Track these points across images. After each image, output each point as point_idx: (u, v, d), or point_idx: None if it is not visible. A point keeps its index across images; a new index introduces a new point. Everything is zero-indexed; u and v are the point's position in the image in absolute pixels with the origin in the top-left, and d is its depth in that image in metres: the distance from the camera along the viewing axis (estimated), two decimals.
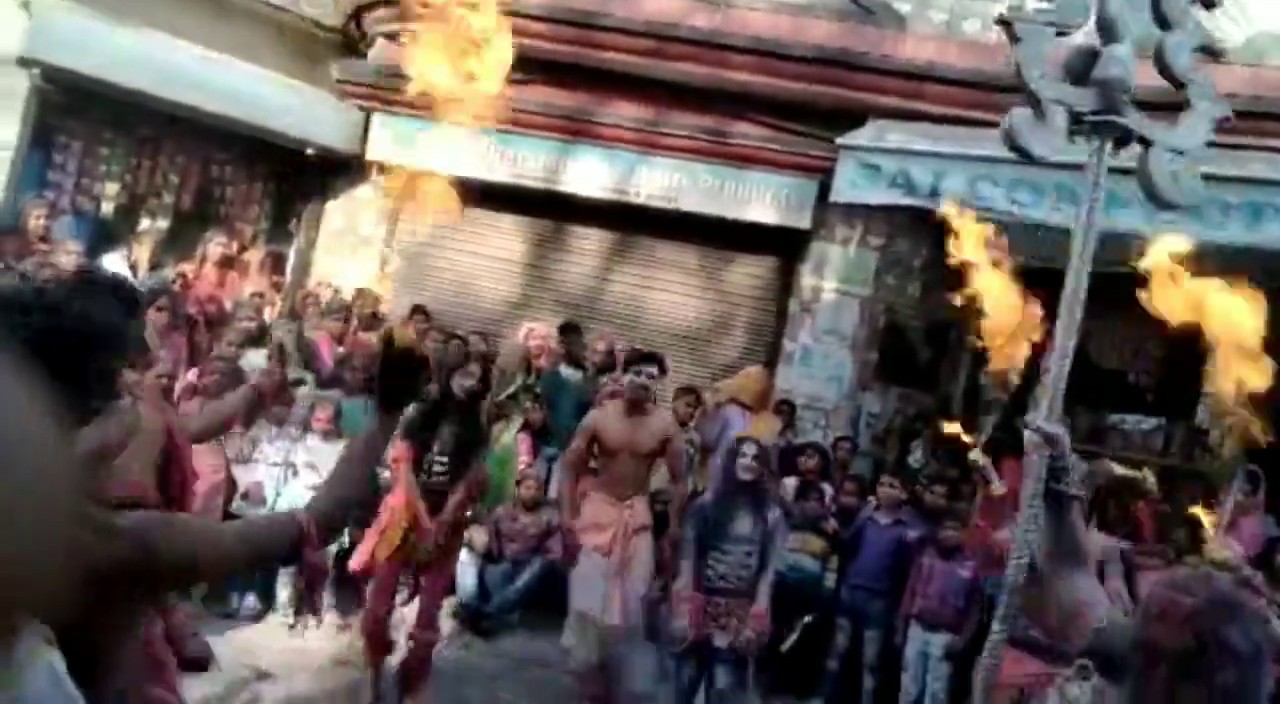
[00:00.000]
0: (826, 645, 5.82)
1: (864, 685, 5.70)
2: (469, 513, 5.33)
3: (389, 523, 4.73)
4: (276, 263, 8.57)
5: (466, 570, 6.17)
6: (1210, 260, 2.67)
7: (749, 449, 4.79)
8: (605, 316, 8.29)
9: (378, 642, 4.85)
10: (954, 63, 7.29)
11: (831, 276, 7.73)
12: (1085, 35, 2.57)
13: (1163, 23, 2.58)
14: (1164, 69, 2.59)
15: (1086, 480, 5.05)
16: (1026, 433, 2.43)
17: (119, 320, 1.91)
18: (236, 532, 1.75)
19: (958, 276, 2.91)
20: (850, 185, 7.18)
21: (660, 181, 7.84)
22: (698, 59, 7.65)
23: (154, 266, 7.33)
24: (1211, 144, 2.67)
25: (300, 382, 6.36)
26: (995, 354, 2.94)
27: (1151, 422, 7.51)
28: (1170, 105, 2.66)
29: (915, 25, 7.84)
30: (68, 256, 5.98)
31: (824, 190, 7.45)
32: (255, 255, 8.18)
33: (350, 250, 8.60)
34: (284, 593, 5.74)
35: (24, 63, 6.74)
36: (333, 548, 5.68)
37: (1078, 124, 2.54)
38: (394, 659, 4.88)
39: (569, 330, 7.55)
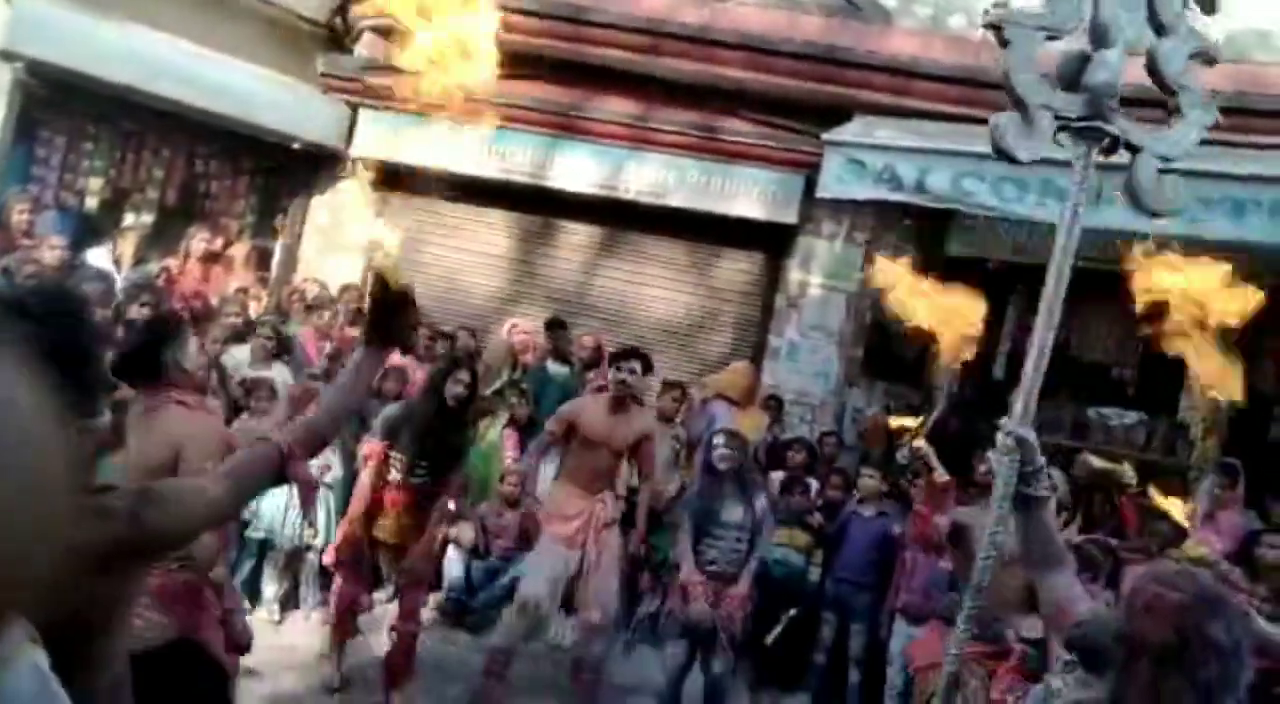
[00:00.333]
0: (812, 639, 5.86)
1: (849, 679, 5.73)
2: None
3: (354, 512, 4.81)
4: (262, 258, 8.53)
5: (454, 565, 6.19)
6: (1193, 256, 2.69)
7: (719, 439, 5.04)
8: (593, 312, 8.29)
9: (343, 623, 4.93)
10: (940, 58, 7.30)
11: (818, 272, 7.75)
12: (1077, 39, 2.54)
13: (1158, 28, 2.55)
14: (1156, 75, 2.56)
15: (1069, 478, 5.12)
16: (998, 436, 2.42)
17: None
18: (220, 476, 1.78)
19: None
20: (837, 181, 7.21)
21: (649, 177, 7.84)
22: (687, 55, 7.64)
23: (138, 262, 7.28)
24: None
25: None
26: (944, 348, 3.06)
27: (1133, 416, 7.54)
28: (1159, 102, 2.66)
29: (901, 21, 7.86)
30: (51, 252, 5.94)
31: (810, 186, 7.47)
32: (240, 251, 8.12)
33: (336, 246, 8.56)
34: (269, 590, 5.74)
35: (7, 56, 6.68)
36: (317, 543, 5.70)
37: (1064, 130, 2.51)
38: (378, 653, 4.89)
39: (555, 326, 7.55)
